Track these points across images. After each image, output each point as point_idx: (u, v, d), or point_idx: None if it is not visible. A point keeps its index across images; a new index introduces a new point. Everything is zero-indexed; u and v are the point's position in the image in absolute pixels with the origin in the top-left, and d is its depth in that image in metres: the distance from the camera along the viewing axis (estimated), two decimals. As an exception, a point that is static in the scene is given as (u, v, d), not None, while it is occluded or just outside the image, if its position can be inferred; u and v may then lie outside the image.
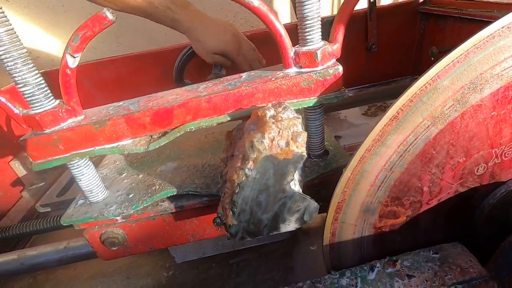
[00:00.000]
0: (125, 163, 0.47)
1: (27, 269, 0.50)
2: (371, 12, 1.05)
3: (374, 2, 1.04)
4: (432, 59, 0.92)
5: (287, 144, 0.26)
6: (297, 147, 0.26)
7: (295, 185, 0.30)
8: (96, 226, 0.39)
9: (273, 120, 0.27)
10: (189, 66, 0.80)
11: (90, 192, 0.38)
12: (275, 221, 0.31)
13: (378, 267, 0.36)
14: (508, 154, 0.32)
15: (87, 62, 0.95)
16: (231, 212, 0.29)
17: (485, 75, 0.26)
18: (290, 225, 0.31)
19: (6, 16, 0.28)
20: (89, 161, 0.37)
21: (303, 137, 0.27)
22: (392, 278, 0.35)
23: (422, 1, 1.08)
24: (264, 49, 0.84)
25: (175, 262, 0.62)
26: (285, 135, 0.26)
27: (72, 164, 0.35)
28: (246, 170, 0.27)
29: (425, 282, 0.34)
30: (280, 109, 0.28)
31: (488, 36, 0.25)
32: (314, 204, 0.30)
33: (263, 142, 0.26)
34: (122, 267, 0.63)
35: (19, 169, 0.81)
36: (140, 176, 0.42)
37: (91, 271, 0.64)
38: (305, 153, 0.27)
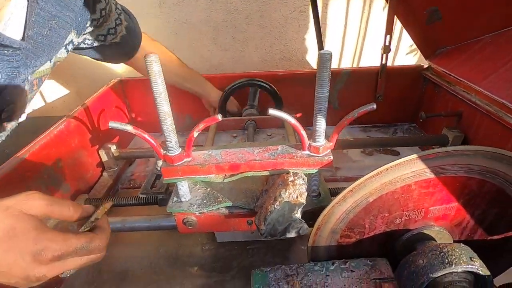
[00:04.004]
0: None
1: (126, 229, 0.81)
2: (381, 71, 1.31)
3: (385, 64, 1.30)
4: (421, 121, 1.18)
5: (297, 197, 0.55)
6: (301, 199, 0.55)
7: (298, 214, 0.59)
8: (182, 215, 0.69)
9: (292, 183, 0.56)
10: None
11: (183, 195, 0.68)
12: (284, 231, 0.60)
13: (336, 264, 0.65)
14: (412, 216, 0.60)
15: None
16: (263, 223, 0.59)
17: (396, 179, 0.54)
18: (291, 235, 0.61)
19: (170, 111, 0.58)
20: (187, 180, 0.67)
21: (305, 195, 0.56)
22: (343, 271, 0.63)
23: (426, 68, 1.33)
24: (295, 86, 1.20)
25: (207, 241, 0.92)
26: (296, 192, 0.55)
27: (181, 182, 0.65)
28: (275, 205, 0.56)
29: (359, 275, 0.62)
30: (296, 177, 0.57)
31: (397, 164, 0.53)
32: (305, 226, 0.60)
33: (285, 194, 0.55)
34: (176, 238, 0.94)
35: (104, 156, 1.13)
36: (208, 189, 0.72)
37: (154, 238, 0.95)
38: (304, 202, 0.56)
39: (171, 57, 1.16)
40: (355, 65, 1.80)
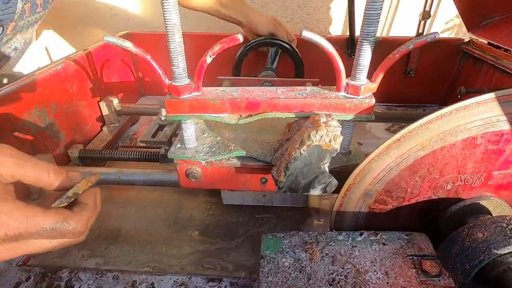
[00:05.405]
0: (205, 126, 0.66)
1: (122, 182, 0.72)
2: (417, 41, 1.16)
3: (422, 33, 1.16)
4: (459, 96, 1.04)
5: (330, 141, 0.44)
6: (335, 144, 0.44)
7: (327, 164, 0.48)
8: (185, 163, 0.59)
9: (325, 125, 0.45)
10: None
11: (188, 140, 0.58)
12: (308, 186, 0.49)
13: (364, 234, 0.54)
14: (468, 180, 0.48)
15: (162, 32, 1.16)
16: (283, 173, 0.48)
17: (460, 127, 0.43)
18: (316, 191, 0.50)
19: (180, 24, 0.46)
20: (193, 121, 0.56)
21: (340, 139, 0.44)
22: (372, 243, 0.53)
23: (466, 42, 1.18)
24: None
25: (213, 205, 0.82)
26: (329, 135, 0.44)
27: (186, 121, 0.54)
28: (301, 150, 0.45)
29: (393, 249, 0.52)
30: (329, 118, 0.46)
31: (465, 105, 0.41)
32: (334, 181, 0.48)
33: (316, 136, 0.44)
34: (175, 201, 0.85)
35: (104, 109, 1.03)
36: (218, 138, 0.61)
37: (153, 198, 0.85)
38: (338, 149, 0.45)
39: None
40: (384, 35, 1.65)
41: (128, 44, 0.47)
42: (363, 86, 0.48)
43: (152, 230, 0.77)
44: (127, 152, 0.83)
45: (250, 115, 0.52)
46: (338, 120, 0.50)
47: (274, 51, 1.11)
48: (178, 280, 0.62)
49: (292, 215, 0.80)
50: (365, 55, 0.46)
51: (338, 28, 1.64)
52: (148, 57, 0.49)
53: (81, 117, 0.97)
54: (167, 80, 0.51)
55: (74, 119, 0.93)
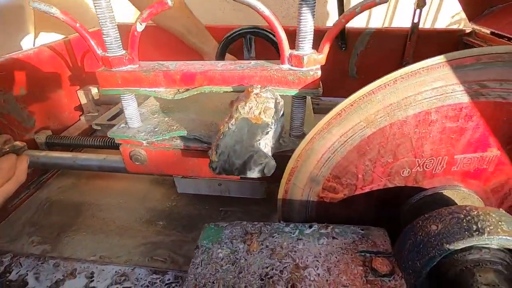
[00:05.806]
0: (158, 108, 0.62)
1: (77, 167, 0.69)
2: (412, 32, 1.09)
3: (417, 24, 1.08)
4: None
5: (259, 113, 0.39)
6: (265, 117, 0.39)
7: (265, 147, 0.43)
8: (129, 145, 0.55)
9: (255, 96, 0.40)
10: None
11: (130, 119, 0.54)
12: (244, 167, 0.44)
13: (314, 227, 0.48)
14: (428, 166, 0.41)
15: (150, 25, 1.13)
16: (215, 152, 0.43)
17: (409, 99, 0.36)
18: (254, 174, 0.44)
19: (106, -10, 0.43)
20: (134, 97, 0.52)
21: (270, 112, 0.39)
22: (321, 236, 0.47)
23: (468, 32, 1.10)
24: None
25: (178, 196, 0.78)
26: (259, 107, 0.39)
27: (124, 96, 0.51)
28: (230, 124, 0.40)
29: (343, 244, 0.45)
30: (263, 90, 0.41)
31: (411, 71, 0.35)
32: (272, 162, 0.43)
33: (244, 108, 0.39)
34: (140, 190, 0.81)
35: (82, 98, 1.02)
36: (166, 118, 0.57)
37: (119, 187, 0.82)
38: (270, 123, 0.39)
39: (180, 3, 0.97)
40: (386, 24, 1.56)
41: (54, 11, 0.44)
42: (306, 56, 0.43)
43: (109, 219, 0.73)
44: (94, 140, 0.80)
45: (188, 89, 0.48)
46: (281, 95, 0.45)
47: (248, 39, 1.06)
48: (119, 271, 0.58)
49: (260, 209, 0.75)
50: (307, 19, 0.41)
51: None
52: (77, 25, 0.46)
53: (58, 105, 0.96)
54: (100, 51, 0.48)
55: (48, 106, 0.92)
